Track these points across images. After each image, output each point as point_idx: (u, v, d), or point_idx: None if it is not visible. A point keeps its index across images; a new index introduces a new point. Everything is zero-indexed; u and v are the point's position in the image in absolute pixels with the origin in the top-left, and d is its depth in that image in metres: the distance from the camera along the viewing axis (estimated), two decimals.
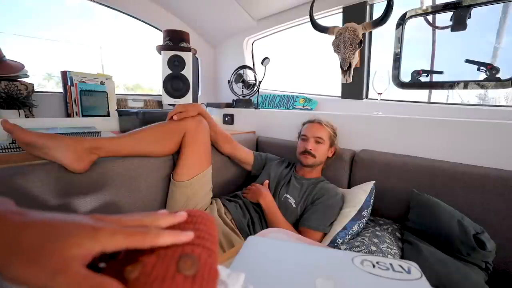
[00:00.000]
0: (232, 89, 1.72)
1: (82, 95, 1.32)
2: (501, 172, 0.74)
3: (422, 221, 0.78)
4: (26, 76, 1.20)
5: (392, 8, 1.04)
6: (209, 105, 1.78)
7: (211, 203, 0.96)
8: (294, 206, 0.90)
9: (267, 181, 1.01)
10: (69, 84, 1.32)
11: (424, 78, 1.14)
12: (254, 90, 1.70)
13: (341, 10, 1.31)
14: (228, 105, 1.74)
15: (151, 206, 0.88)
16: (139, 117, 1.12)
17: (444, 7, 1.01)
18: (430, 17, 1.14)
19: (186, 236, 0.20)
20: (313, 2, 1.23)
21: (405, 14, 1.12)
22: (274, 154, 1.20)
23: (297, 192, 0.93)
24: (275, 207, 0.89)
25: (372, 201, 0.88)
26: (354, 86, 1.33)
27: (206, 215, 0.24)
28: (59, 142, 0.66)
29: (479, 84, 0.99)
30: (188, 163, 0.86)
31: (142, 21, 1.72)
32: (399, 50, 1.16)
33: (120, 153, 0.78)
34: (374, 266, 0.28)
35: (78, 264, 0.17)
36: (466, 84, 1.01)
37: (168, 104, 1.60)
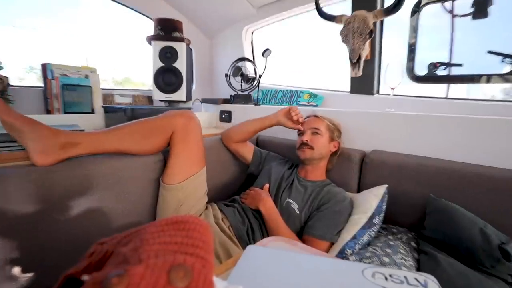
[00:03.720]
0: (229, 84, 1.72)
1: (64, 89, 1.32)
2: None
3: (440, 229, 0.77)
4: (0, 68, 1.20)
5: None
6: (204, 101, 1.78)
7: (206, 208, 0.96)
8: (297, 212, 0.90)
9: (267, 185, 1.01)
10: (49, 77, 1.32)
11: (441, 71, 1.14)
12: (254, 84, 1.69)
13: None
14: (226, 101, 1.73)
15: (141, 211, 0.88)
16: (127, 114, 1.12)
17: None
18: (448, 4, 1.13)
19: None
20: None
21: (420, 1, 1.12)
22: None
23: (300, 196, 0.93)
24: (276, 214, 0.89)
25: (384, 206, 0.87)
26: (364, 80, 1.33)
27: (200, 221, 0.24)
28: (35, 131, 0.68)
29: (504, 77, 0.99)
30: (179, 163, 0.87)
31: (132, 8, 1.72)
32: (414, 40, 1.16)
33: (101, 150, 0.78)
34: (386, 279, 0.28)
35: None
36: (488, 78, 1.01)
37: (159, 100, 1.60)
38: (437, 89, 1.23)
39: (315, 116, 1.04)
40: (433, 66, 1.14)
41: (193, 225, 0.22)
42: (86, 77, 1.40)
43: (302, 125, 1.04)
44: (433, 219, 0.81)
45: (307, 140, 0.98)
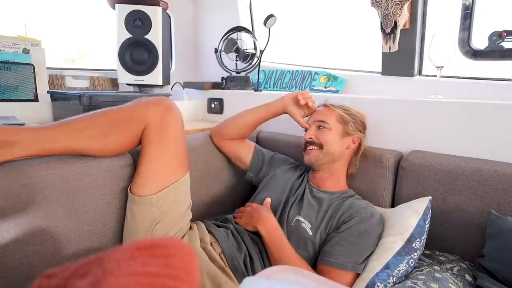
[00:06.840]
0: (221, 62, 1.72)
1: None
2: None
3: (506, 258, 0.78)
4: None
5: None
6: (187, 85, 1.78)
7: (191, 227, 0.97)
8: (309, 233, 0.90)
9: (268, 199, 1.01)
10: None
11: (509, 43, 1.13)
12: (254, 63, 1.69)
13: None
14: (216, 86, 1.73)
15: (102, 232, 0.88)
16: (84, 102, 1.12)
17: None
18: None
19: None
20: None
21: None
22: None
23: (313, 212, 0.94)
24: (280, 236, 0.89)
25: (427, 226, 0.87)
26: (401, 57, 1.33)
27: (183, 245, 0.24)
28: None
29: None
30: (153, 169, 0.87)
31: None
32: (470, 1, 1.15)
33: (47, 152, 0.78)
34: None
35: None
36: None
37: (127, 84, 1.60)
38: (502, 68, 1.21)
39: (324, 105, 1.05)
40: (498, 36, 1.13)
41: (173, 250, 0.22)
42: (26, 51, 1.40)
43: (311, 117, 1.05)
44: (495, 244, 0.81)
45: (311, 138, 0.99)
